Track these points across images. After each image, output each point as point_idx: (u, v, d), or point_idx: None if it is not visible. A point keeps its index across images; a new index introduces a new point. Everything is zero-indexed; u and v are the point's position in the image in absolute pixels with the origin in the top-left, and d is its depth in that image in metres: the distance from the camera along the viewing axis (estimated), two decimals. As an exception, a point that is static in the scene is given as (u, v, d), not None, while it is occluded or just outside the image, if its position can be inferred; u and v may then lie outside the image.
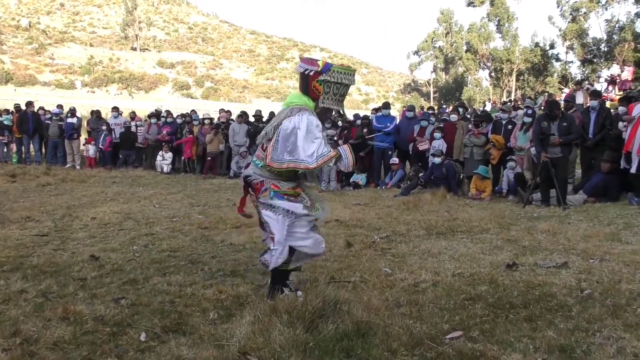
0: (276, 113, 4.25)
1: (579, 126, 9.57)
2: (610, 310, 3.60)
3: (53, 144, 16.19)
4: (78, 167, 15.67)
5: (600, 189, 9.18)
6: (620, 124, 9.34)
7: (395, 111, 28.04)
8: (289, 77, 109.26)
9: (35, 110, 16.90)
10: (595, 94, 11.02)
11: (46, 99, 38.41)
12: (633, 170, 8.68)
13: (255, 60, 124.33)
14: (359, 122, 13.56)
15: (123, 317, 3.77)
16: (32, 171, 13.62)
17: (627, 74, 24.93)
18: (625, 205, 8.40)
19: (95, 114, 17.55)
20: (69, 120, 16.01)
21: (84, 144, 16.64)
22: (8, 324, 3.60)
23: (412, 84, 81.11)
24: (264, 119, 14.76)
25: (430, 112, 15.92)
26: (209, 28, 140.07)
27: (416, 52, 66.12)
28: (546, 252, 5.51)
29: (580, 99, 18.04)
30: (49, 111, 17.34)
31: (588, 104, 10.67)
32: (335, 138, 12.13)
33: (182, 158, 15.56)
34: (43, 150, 16.85)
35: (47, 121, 16.47)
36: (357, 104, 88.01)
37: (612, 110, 10.54)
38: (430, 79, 69.48)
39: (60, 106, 17.71)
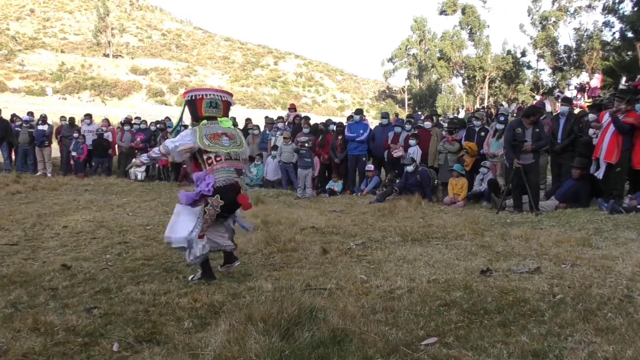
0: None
1: (548, 133, 9.74)
2: (581, 314, 3.64)
3: (23, 152, 15.89)
4: (49, 174, 15.42)
5: (572, 194, 9.33)
6: (591, 131, 9.52)
7: (370, 118, 28.04)
8: (264, 84, 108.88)
9: (5, 117, 16.58)
10: (566, 100, 11.25)
11: (16, 106, 37.63)
12: (600, 176, 8.85)
13: (230, 67, 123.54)
14: (332, 126, 13.56)
15: (95, 327, 3.70)
16: (1, 179, 13.32)
17: (596, 81, 25.43)
18: (595, 210, 8.53)
19: (68, 121, 17.32)
20: (40, 127, 15.77)
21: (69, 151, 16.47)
22: (-24, 336, 3.49)
23: (387, 91, 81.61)
24: (239, 127, 14.71)
25: (408, 119, 16.02)
26: (183, 35, 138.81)
27: (390, 60, 66.56)
28: (519, 257, 5.56)
29: (548, 107, 18.39)
30: (20, 118, 17.05)
31: (557, 111, 10.86)
32: (308, 145, 12.11)
33: (157, 166, 15.41)
34: (13, 157, 16.53)
35: (17, 128, 16.17)
36: (332, 111, 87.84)
37: (582, 117, 10.71)
38: (404, 86, 69.95)
39: (30, 113, 17.42)
